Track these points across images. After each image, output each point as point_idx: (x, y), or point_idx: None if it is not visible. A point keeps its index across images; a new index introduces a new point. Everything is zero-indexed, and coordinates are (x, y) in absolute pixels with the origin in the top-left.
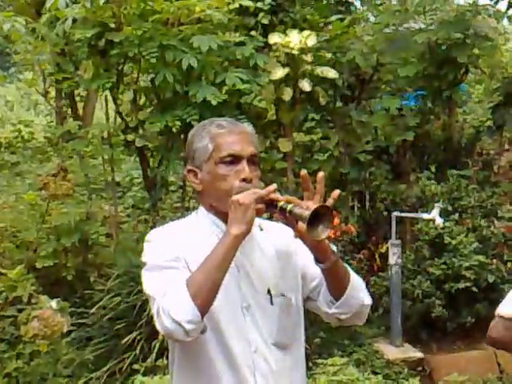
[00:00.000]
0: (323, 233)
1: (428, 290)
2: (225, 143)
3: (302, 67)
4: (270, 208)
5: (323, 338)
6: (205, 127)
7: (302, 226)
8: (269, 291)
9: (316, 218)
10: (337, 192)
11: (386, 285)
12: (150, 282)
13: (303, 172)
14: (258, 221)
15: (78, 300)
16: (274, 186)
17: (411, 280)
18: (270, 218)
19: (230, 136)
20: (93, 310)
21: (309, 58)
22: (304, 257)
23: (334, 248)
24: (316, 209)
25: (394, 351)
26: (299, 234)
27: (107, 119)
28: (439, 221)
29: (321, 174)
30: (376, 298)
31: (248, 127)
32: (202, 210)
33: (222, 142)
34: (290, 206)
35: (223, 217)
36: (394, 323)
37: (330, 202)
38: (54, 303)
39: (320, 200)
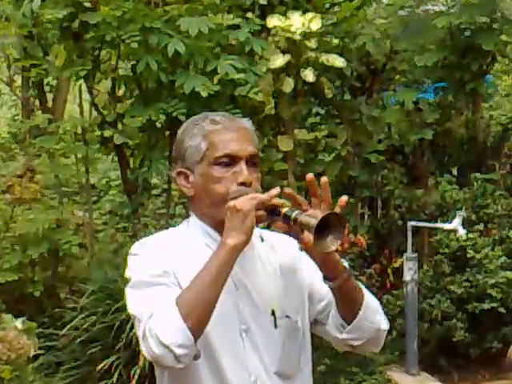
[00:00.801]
0: (332, 244)
1: (448, 311)
2: (220, 142)
3: (304, 54)
4: (271, 215)
5: (328, 364)
6: (197, 123)
7: (308, 236)
8: (273, 312)
9: (325, 228)
10: (344, 198)
11: (400, 304)
12: (135, 301)
13: (310, 176)
14: (257, 231)
15: (46, 320)
16: (277, 190)
17: (429, 299)
18: (268, 228)
19: (227, 133)
20: (64, 332)
21: (313, 43)
22: (311, 273)
23: (346, 263)
24: (324, 216)
25: (410, 380)
26: (305, 246)
27: (81, 112)
28: (461, 232)
29: (324, 180)
30: (388, 320)
31: (247, 123)
32: (193, 218)
33: (217, 140)
34: (294, 213)
35: (218, 226)
36: (409, 348)
37: (337, 210)
38: (19, 323)
39: (328, 208)
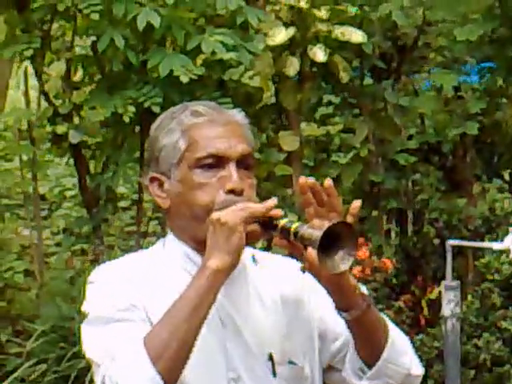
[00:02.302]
0: (343, 263)
1: (500, 354)
2: (203, 138)
3: (313, 27)
4: (266, 230)
5: None
6: (175, 115)
7: (312, 252)
8: (270, 357)
9: (333, 242)
10: (357, 204)
11: (438, 346)
12: (93, 341)
13: (310, 181)
14: (249, 251)
15: None
16: (273, 202)
17: (475, 339)
18: (269, 249)
19: (212, 128)
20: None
21: (323, 13)
22: (322, 305)
23: (365, 289)
24: (331, 227)
25: None
26: (309, 266)
27: (27, 103)
28: None
29: (328, 183)
30: (424, 365)
31: (238, 115)
32: (170, 237)
33: (200, 136)
34: (295, 226)
35: (201, 246)
36: None
37: (349, 219)
38: None
39: (338, 218)
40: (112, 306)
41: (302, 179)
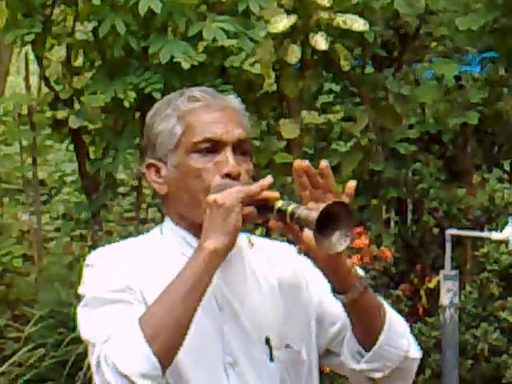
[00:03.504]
0: (340, 243)
1: (498, 344)
2: (200, 123)
3: (315, 15)
4: (262, 212)
5: None
6: (171, 101)
7: (308, 233)
8: (267, 341)
9: (329, 223)
10: (352, 184)
11: (436, 335)
12: (89, 322)
13: (302, 164)
14: (246, 236)
15: None
16: (268, 180)
17: (473, 329)
18: (268, 235)
19: (208, 113)
20: (3, 368)
21: (326, 1)
22: (319, 289)
23: (361, 272)
24: (328, 207)
25: None
26: (305, 248)
27: (27, 88)
28: None
29: (324, 165)
30: (421, 355)
31: (234, 101)
32: (168, 222)
33: (196, 121)
34: (291, 207)
35: (198, 231)
36: None
37: (345, 199)
38: None
39: (333, 199)
40: (108, 288)
41: (297, 163)
